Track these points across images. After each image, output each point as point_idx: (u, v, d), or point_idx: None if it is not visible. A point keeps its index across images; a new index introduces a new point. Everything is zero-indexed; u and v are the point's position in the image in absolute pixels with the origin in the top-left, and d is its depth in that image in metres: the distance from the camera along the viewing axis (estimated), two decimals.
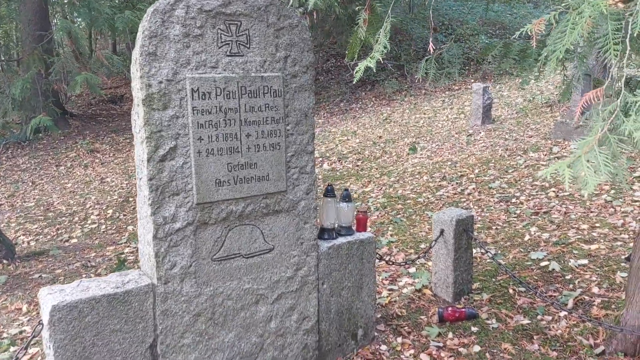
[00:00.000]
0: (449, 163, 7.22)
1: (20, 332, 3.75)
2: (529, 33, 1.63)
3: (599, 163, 1.39)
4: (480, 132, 8.85)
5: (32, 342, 3.36)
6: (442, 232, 3.68)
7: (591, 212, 4.94)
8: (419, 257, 3.71)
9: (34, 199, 8.15)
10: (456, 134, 9.13)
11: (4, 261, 5.30)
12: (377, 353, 3.19)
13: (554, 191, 5.53)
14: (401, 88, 13.31)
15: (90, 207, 7.35)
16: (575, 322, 3.27)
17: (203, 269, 2.62)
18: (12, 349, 3.52)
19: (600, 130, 1.45)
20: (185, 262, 2.55)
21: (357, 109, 12.33)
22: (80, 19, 6.77)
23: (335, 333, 3.15)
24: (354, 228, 3.26)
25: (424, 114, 10.82)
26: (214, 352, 2.71)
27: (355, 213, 3.31)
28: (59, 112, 11.51)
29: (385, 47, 2.00)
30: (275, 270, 2.84)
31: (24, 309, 4.13)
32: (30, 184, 9.03)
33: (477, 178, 6.35)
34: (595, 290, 3.56)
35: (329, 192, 3.10)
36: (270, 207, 2.77)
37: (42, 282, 4.67)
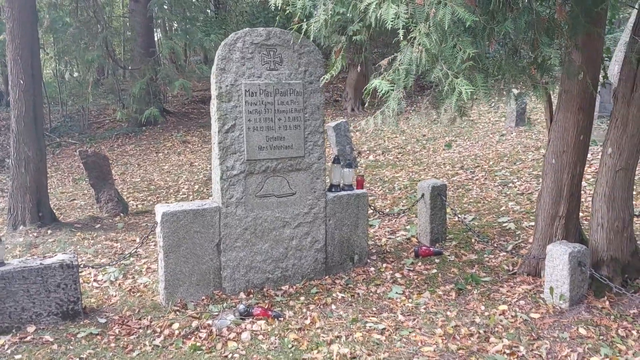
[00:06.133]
0: (473, 157, 8.47)
1: (135, 252, 5.61)
2: None
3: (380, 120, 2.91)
4: (512, 133, 9.95)
5: (142, 257, 5.14)
6: (422, 195, 5.10)
7: None
8: (404, 212, 5.16)
9: (139, 176, 10.36)
10: (491, 134, 10.27)
11: (121, 214, 7.34)
12: (367, 271, 4.69)
13: None
14: None
15: (181, 183, 9.39)
16: (507, 258, 4.59)
17: (250, 201, 4.27)
18: (130, 259, 5.39)
19: (390, 106, 2.94)
20: (238, 195, 4.22)
21: (411, 111, 13.68)
22: (178, 40, 8.92)
23: (337, 255, 4.70)
24: (354, 186, 4.78)
25: (469, 117, 11.97)
26: (255, 254, 4.36)
27: (355, 176, 4.84)
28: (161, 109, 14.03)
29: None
30: (296, 207, 4.44)
31: (137, 240, 6.05)
32: (136, 165, 11.33)
33: (489, 168, 7.60)
34: (530, 240, 4.83)
35: (336, 160, 4.66)
36: (294, 166, 4.37)
37: (148, 227, 6.59)
